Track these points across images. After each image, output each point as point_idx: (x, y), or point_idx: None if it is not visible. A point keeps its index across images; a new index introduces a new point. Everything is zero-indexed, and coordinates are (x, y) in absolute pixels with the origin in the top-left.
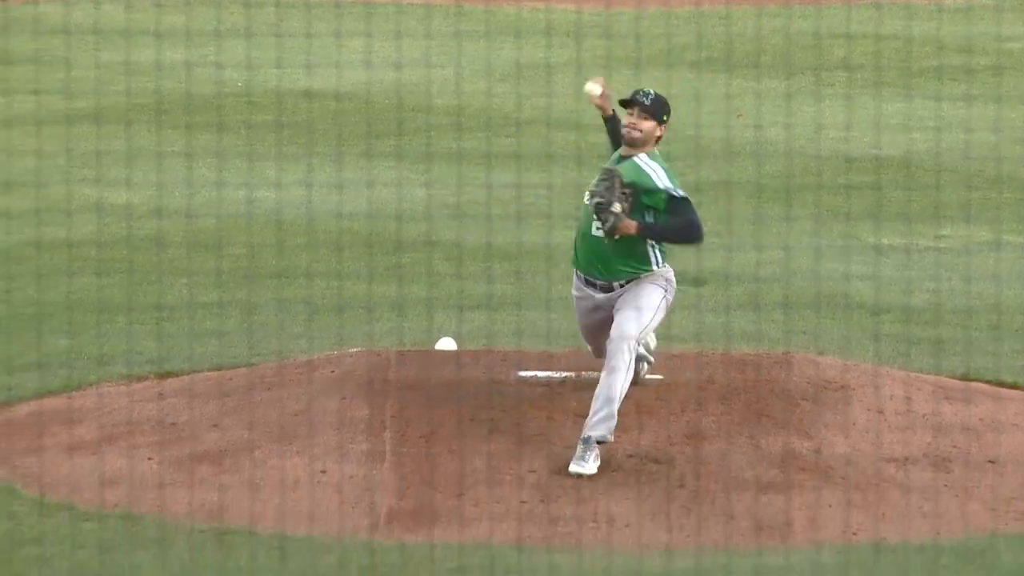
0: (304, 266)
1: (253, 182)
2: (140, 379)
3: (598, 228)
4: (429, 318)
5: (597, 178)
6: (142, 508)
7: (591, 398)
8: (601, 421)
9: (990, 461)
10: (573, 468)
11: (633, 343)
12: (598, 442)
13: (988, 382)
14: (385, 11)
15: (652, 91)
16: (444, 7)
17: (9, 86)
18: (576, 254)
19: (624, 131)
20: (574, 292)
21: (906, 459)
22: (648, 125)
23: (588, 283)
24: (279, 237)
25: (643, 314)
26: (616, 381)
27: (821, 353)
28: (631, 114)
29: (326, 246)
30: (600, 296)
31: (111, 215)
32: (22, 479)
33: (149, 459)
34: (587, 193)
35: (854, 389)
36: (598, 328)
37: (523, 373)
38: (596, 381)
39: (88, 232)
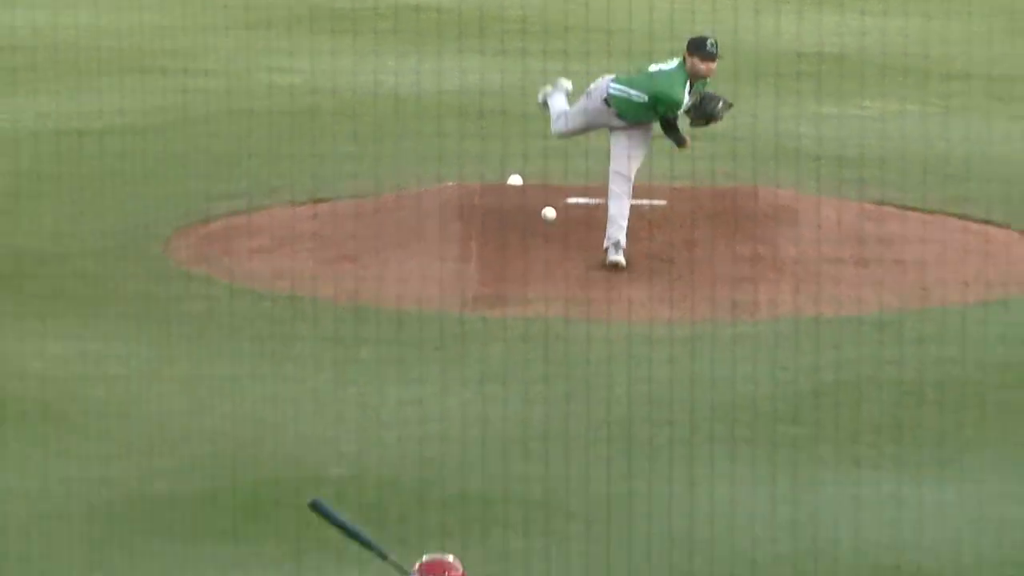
0: (414, 128)
1: (378, 69)
2: (300, 204)
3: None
4: (503, 163)
5: (713, 98)
6: (301, 292)
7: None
8: (617, 229)
9: (897, 261)
10: (610, 260)
11: (625, 179)
12: (616, 245)
13: (896, 207)
14: None
15: (714, 39)
16: None
17: (204, 4)
18: (629, 112)
19: (705, 70)
20: (596, 106)
21: (838, 260)
22: None
23: (618, 116)
24: (396, 107)
25: (636, 156)
26: (620, 203)
27: (779, 187)
28: (712, 62)
29: (429, 115)
30: (617, 122)
31: (279, 93)
32: (217, 272)
33: (306, 259)
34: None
35: (801, 212)
36: (594, 124)
37: (570, 200)
38: (633, 209)
39: (263, 104)
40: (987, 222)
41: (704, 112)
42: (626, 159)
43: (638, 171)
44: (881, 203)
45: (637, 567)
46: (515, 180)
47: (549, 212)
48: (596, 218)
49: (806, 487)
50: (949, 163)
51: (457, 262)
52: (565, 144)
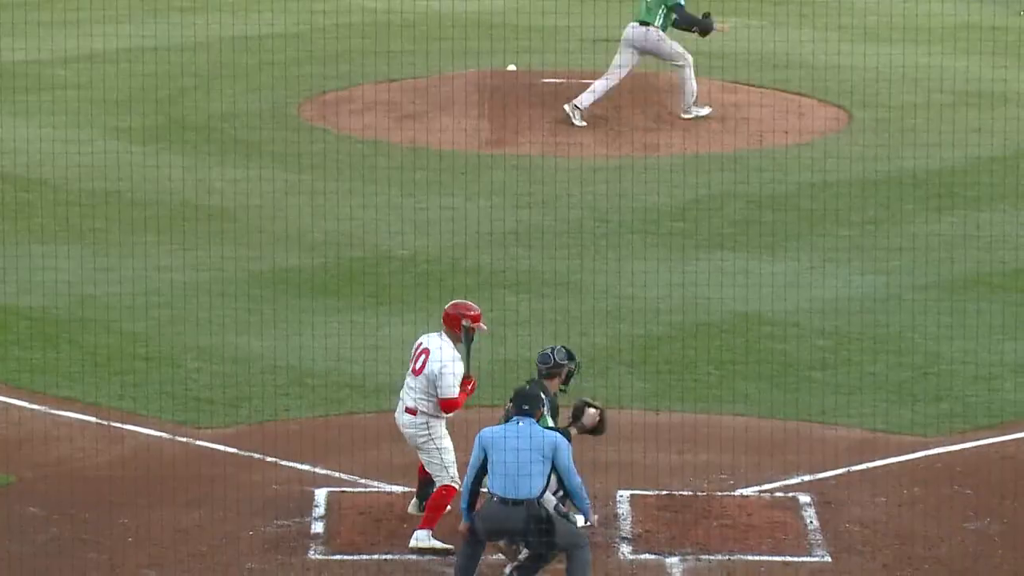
0: (449, 34)
1: None
2: (380, 82)
3: None
4: (504, 57)
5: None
6: (380, 138)
7: (578, 92)
8: (587, 95)
9: (743, 118)
10: (568, 113)
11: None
12: (577, 107)
13: (743, 84)
14: None
15: None
16: None
17: None
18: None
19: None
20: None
21: (707, 117)
22: None
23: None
24: (439, 22)
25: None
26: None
27: (672, 72)
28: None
29: (459, 26)
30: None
31: (367, 12)
32: (329, 125)
33: (383, 117)
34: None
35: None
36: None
37: (546, 80)
38: (583, 86)
39: (356, 19)
40: (798, 93)
41: (703, 25)
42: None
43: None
44: (734, 82)
45: (586, 312)
46: (511, 67)
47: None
48: (561, 92)
49: (689, 262)
50: (775, 57)
51: (475, 119)
52: (541, 43)
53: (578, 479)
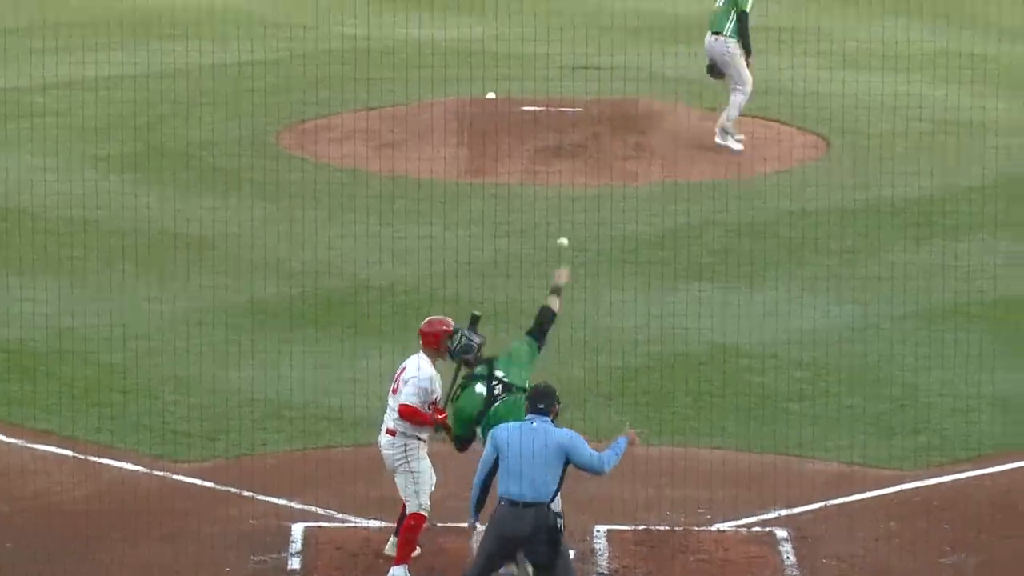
0: (428, 63)
1: (408, 24)
2: (358, 110)
3: None
4: (483, 85)
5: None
6: (359, 167)
7: (557, 120)
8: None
9: (722, 146)
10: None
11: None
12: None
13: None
14: None
15: None
16: None
17: None
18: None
19: None
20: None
21: (686, 145)
22: None
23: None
24: (418, 50)
25: None
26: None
27: (651, 99)
28: None
29: (438, 54)
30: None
31: (346, 41)
32: (308, 154)
33: (362, 145)
34: None
35: (664, 115)
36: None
37: (525, 108)
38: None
39: (336, 47)
40: (777, 121)
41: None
42: None
43: None
44: (712, 110)
45: (564, 342)
46: (490, 95)
47: (563, 241)
48: (544, 119)
49: (667, 292)
50: (753, 84)
51: (454, 147)
52: (520, 70)
53: (608, 465)
